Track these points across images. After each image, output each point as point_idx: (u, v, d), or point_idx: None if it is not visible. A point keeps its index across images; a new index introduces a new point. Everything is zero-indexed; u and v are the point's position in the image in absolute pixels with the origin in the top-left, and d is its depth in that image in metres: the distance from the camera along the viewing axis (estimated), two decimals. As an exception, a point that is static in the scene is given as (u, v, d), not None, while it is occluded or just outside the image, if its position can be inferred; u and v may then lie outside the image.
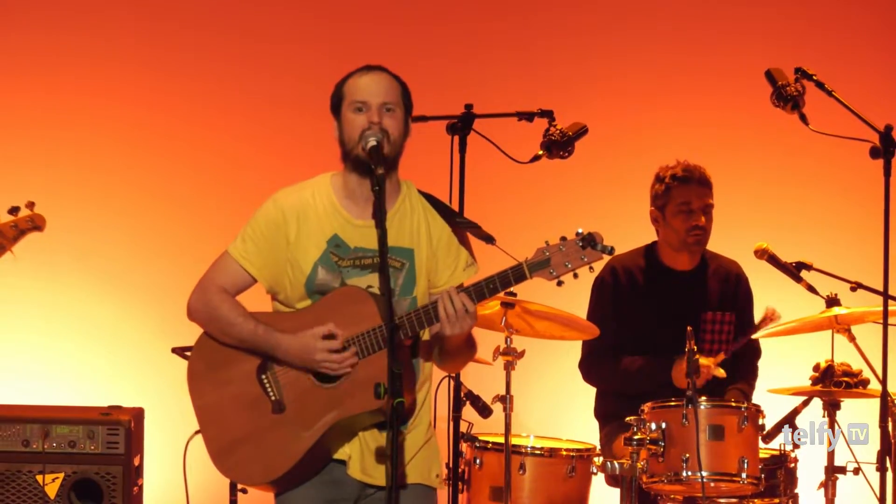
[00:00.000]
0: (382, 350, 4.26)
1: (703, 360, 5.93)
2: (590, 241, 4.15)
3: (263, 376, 4.39)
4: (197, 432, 4.48)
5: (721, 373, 6.02)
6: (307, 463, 4.35)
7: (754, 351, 6.44)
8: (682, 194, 6.24)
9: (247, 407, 4.40)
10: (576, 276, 4.21)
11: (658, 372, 6.08)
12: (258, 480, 4.44)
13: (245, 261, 4.43)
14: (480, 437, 5.95)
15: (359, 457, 4.37)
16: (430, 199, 4.52)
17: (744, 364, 6.36)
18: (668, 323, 6.06)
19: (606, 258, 4.21)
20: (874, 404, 5.29)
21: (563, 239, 4.19)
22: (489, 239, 4.38)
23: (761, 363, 6.47)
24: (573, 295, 6.30)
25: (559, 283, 4.20)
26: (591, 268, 4.20)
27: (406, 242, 4.43)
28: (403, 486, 4.36)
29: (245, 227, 4.47)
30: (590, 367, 6.34)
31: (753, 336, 6.13)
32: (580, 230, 4.17)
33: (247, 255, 4.43)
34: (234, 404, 4.41)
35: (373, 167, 4.23)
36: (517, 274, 4.21)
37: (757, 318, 6.12)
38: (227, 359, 4.44)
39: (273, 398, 4.37)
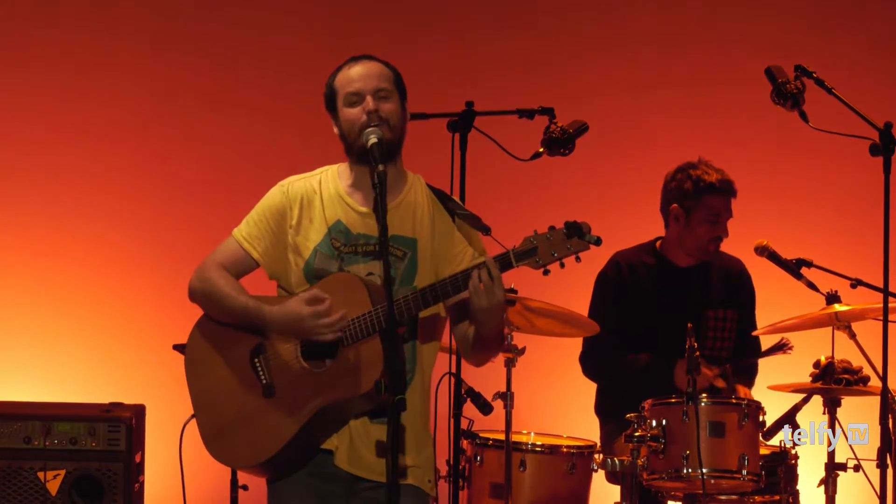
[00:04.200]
0: (371, 336, 4.26)
1: (705, 371, 5.94)
2: (577, 231, 4.14)
3: (256, 360, 4.40)
4: (192, 416, 4.49)
5: (722, 384, 6.02)
6: (294, 449, 4.35)
7: (755, 350, 6.44)
8: (716, 205, 6.19)
9: (238, 391, 4.40)
10: (562, 265, 4.19)
11: (659, 374, 6.08)
12: (246, 464, 4.45)
13: (248, 244, 4.46)
14: (481, 434, 5.96)
15: (346, 447, 4.37)
16: (436, 192, 4.53)
17: (744, 362, 6.37)
18: (671, 319, 6.06)
19: (593, 247, 4.19)
20: (874, 404, 5.29)
21: (551, 228, 4.18)
22: (486, 230, 4.38)
23: (761, 360, 6.47)
24: (574, 292, 6.33)
25: (545, 273, 4.18)
26: (577, 257, 4.17)
27: (409, 232, 4.44)
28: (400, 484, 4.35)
29: (251, 211, 4.50)
30: (590, 363, 6.35)
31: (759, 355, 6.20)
32: (567, 220, 4.16)
33: (250, 239, 4.46)
34: (227, 388, 4.42)
35: (374, 164, 4.24)
36: (503, 262, 4.20)
37: (769, 339, 6.12)
38: (221, 344, 4.45)
39: (264, 381, 4.38)
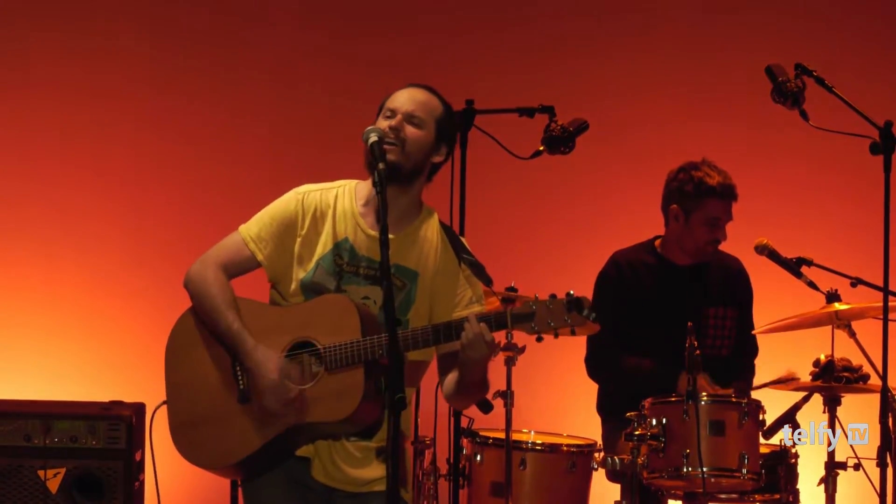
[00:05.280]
0: (355, 367, 4.24)
1: (708, 388, 5.94)
2: (576, 306, 4.16)
3: (237, 364, 4.39)
4: (163, 403, 4.50)
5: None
6: (263, 456, 4.35)
7: (752, 349, 6.44)
8: (717, 209, 6.17)
9: (215, 390, 4.40)
10: (556, 335, 4.22)
11: (664, 381, 6.05)
12: (212, 464, 4.45)
13: (255, 245, 4.43)
14: (481, 433, 5.96)
15: (322, 460, 4.38)
16: (447, 231, 4.52)
17: (741, 362, 6.37)
18: (671, 318, 6.06)
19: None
20: (873, 404, 5.29)
21: (553, 297, 4.19)
22: (488, 281, 4.40)
23: (760, 359, 6.47)
24: (574, 290, 6.31)
25: (539, 339, 4.22)
26: (573, 331, 4.21)
27: (412, 265, 4.42)
28: (379, 492, 4.35)
29: (262, 211, 4.47)
30: (595, 365, 6.33)
31: (763, 385, 6.18)
32: (571, 292, 4.17)
33: (258, 241, 4.43)
34: (204, 385, 4.42)
35: (374, 161, 4.21)
36: (498, 321, 4.23)
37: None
38: (207, 338, 4.44)
39: (241, 387, 4.37)
